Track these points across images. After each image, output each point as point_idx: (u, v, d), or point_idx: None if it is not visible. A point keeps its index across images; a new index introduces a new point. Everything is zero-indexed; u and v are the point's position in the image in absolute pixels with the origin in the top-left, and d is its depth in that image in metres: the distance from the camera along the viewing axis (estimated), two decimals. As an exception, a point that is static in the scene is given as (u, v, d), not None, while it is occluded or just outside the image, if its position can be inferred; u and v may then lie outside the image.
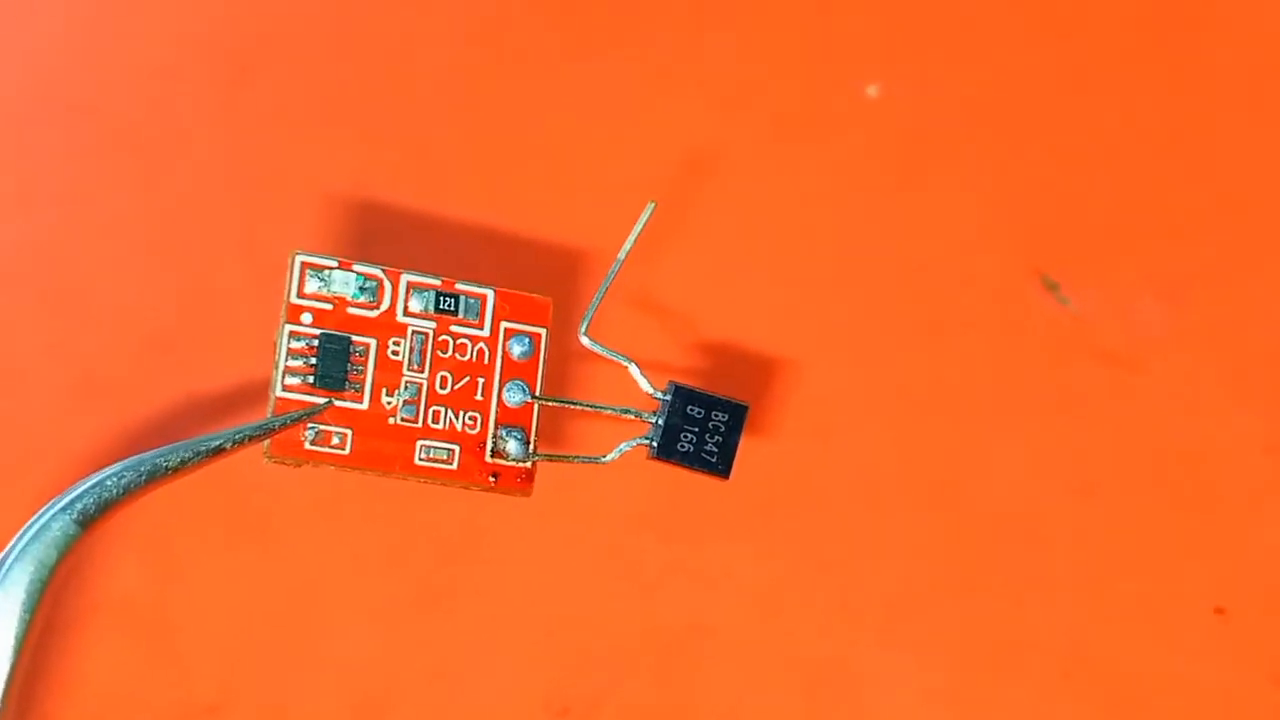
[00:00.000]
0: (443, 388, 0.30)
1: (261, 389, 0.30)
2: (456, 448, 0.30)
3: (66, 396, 0.31)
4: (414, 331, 0.30)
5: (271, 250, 0.31)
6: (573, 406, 0.31)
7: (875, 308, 0.34)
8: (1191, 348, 0.35)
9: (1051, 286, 0.34)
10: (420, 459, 0.30)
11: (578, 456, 0.31)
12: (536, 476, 0.30)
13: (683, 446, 0.31)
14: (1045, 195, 0.35)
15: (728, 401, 0.31)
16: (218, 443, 0.28)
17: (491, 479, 0.30)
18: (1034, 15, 0.35)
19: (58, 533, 0.27)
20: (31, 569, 0.27)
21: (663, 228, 0.33)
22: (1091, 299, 0.34)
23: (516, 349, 0.30)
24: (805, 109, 0.34)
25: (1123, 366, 0.34)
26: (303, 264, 0.29)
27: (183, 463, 0.28)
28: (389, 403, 0.30)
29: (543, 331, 0.31)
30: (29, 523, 0.28)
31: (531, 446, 0.30)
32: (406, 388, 0.30)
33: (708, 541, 0.33)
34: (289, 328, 0.29)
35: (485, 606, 0.32)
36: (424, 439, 0.30)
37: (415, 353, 0.30)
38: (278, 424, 0.29)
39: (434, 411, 0.30)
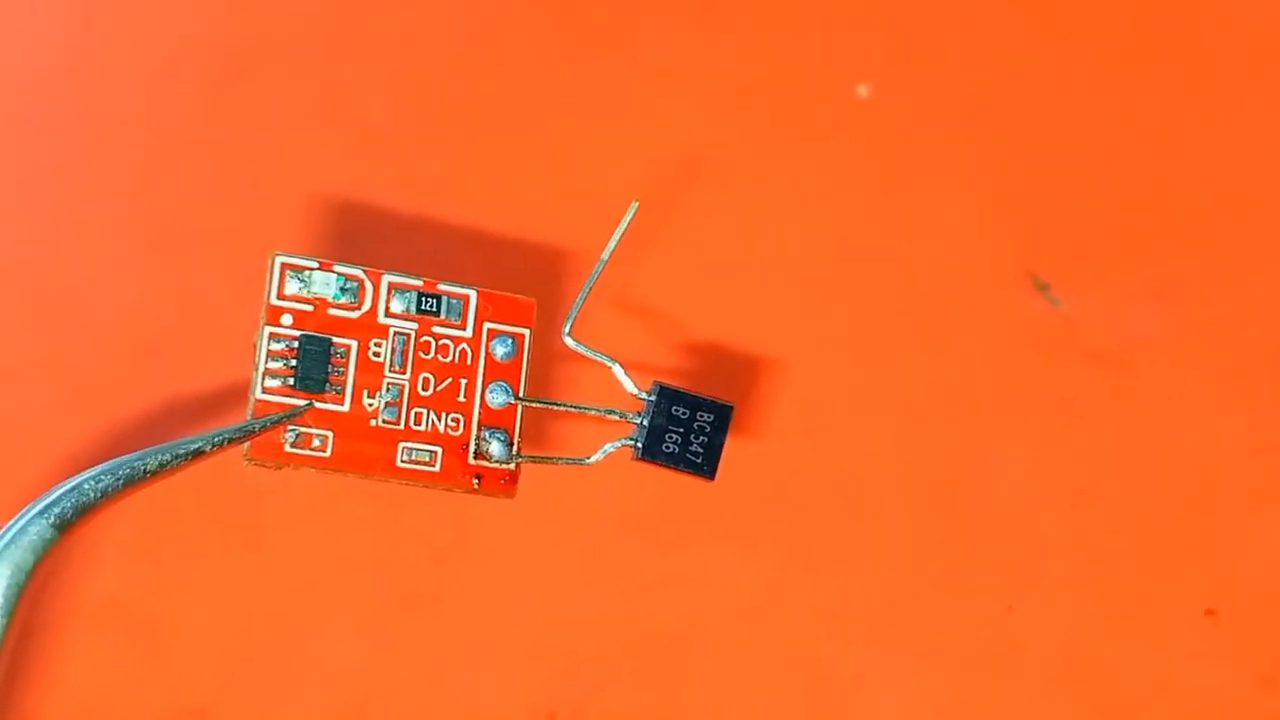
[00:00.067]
0: (425, 389, 0.30)
1: (247, 391, 0.30)
2: (439, 449, 0.30)
3: (50, 399, 0.31)
4: (396, 333, 0.30)
5: (254, 252, 0.31)
6: (556, 408, 0.31)
7: (863, 307, 0.34)
8: (1182, 349, 0.34)
9: (1042, 287, 0.34)
10: (402, 461, 0.30)
11: (562, 458, 0.31)
12: (520, 478, 0.30)
13: (668, 447, 0.30)
14: (1036, 196, 0.34)
15: (713, 402, 0.31)
16: (196, 445, 0.28)
17: (475, 481, 0.30)
18: (1025, 16, 0.35)
19: (34, 537, 0.27)
20: (8, 574, 0.27)
21: (647, 227, 0.33)
22: (1082, 300, 0.34)
23: (499, 350, 0.30)
24: (794, 108, 0.34)
25: (1114, 368, 0.34)
26: (283, 265, 0.29)
27: (161, 466, 0.28)
28: (370, 404, 0.30)
29: (526, 332, 0.30)
30: (6, 527, 0.27)
31: (515, 448, 0.30)
32: (388, 389, 0.30)
33: (693, 543, 0.33)
34: (269, 329, 0.29)
35: (471, 609, 0.32)
36: (406, 441, 0.30)
37: (397, 354, 0.30)
38: (257, 426, 0.29)
39: (416, 413, 0.30)
